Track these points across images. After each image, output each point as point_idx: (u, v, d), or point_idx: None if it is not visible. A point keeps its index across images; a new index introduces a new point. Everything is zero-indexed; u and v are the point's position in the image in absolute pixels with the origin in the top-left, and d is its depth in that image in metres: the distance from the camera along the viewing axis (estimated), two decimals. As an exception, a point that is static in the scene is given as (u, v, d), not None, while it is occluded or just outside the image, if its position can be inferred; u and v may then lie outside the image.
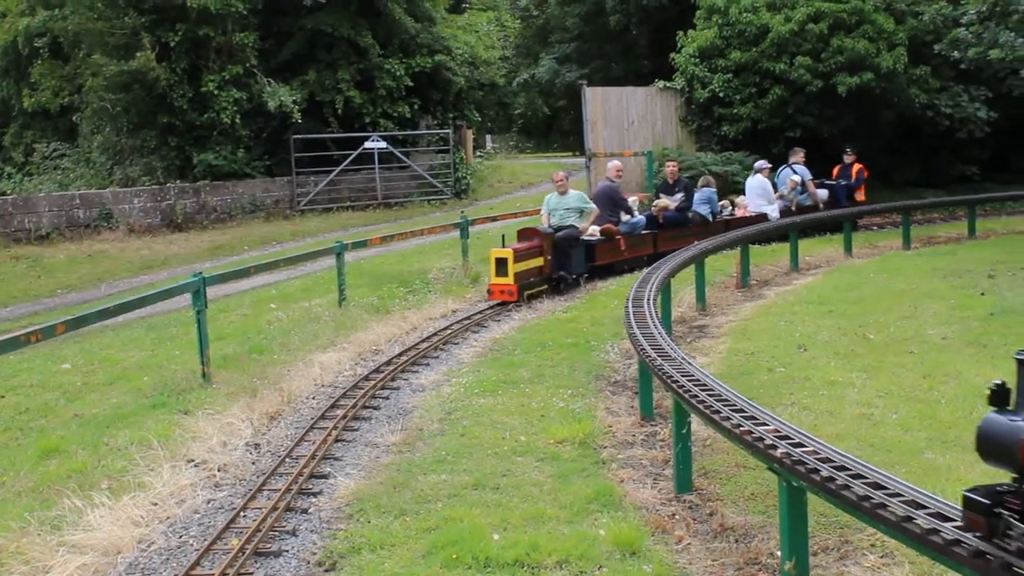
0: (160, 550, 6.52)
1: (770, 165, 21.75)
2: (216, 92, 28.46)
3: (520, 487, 7.25)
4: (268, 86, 28.83)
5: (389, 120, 31.11)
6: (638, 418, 9.00)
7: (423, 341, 12.88)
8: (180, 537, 6.76)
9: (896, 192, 27.96)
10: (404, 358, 11.91)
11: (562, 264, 16.34)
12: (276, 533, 6.72)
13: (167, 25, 28.26)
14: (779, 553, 5.45)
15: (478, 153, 40.70)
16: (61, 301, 19.73)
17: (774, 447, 5.34)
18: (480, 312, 14.80)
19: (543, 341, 12.50)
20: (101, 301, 17.51)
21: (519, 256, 15.21)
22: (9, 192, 27.92)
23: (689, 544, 6.19)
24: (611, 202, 17.88)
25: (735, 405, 6.21)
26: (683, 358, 7.62)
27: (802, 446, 5.29)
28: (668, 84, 27.84)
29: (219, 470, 8.12)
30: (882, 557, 5.78)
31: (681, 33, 28.04)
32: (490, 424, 8.96)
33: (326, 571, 6.07)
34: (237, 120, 28.73)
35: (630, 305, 10.17)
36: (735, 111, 26.69)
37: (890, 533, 4.51)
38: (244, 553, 6.28)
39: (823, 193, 22.31)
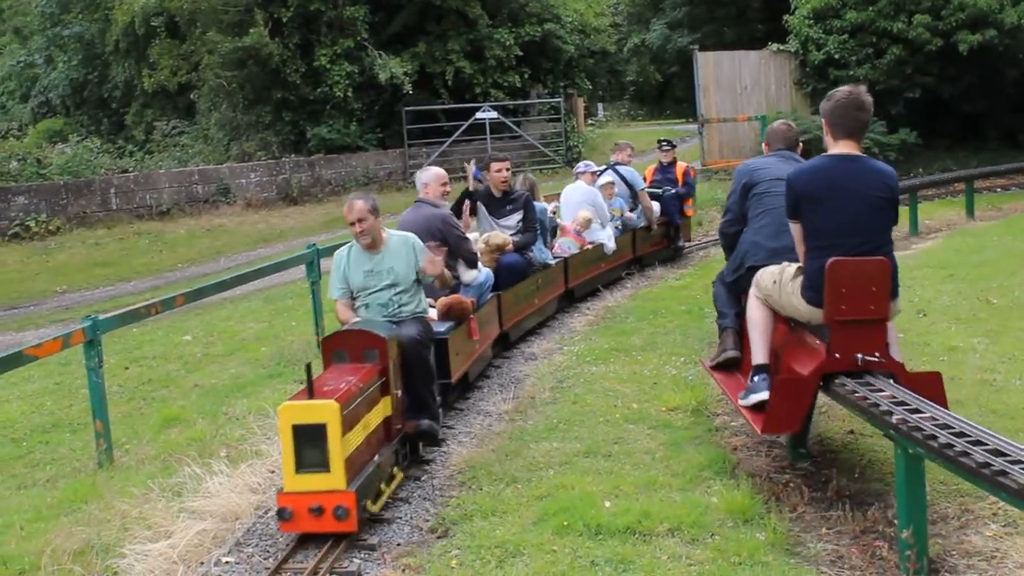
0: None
1: (596, 167, 14.91)
2: (328, 66, 28.78)
3: (632, 455, 7.22)
4: (379, 59, 29.03)
5: (499, 90, 31.14)
6: (752, 385, 8.86)
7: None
8: (296, 504, 6.84)
9: (1022, 153, 27.12)
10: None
11: (421, 399, 7.52)
12: (390, 501, 6.78)
13: (279, 1, 28.65)
14: (896, 522, 5.33)
15: (589, 121, 40.54)
16: (182, 274, 20.20)
17: (890, 413, 5.22)
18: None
19: (656, 308, 12.42)
20: (219, 274, 17.89)
21: (349, 412, 6.24)
22: (131, 169, 28.62)
23: (804, 512, 6.09)
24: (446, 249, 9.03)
25: (850, 371, 6.06)
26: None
27: (919, 412, 5.16)
28: (781, 47, 27.39)
29: (334, 438, 8.19)
30: (1004, 527, 5.62)
31: (795, -6, 27.52)
32: (602, 392, 8.94)
33: (439, 538, 6.11)
34: (349, 93, 29.03)
35: (743, 271, 10.00)
36: (851, 73, 26.12)
37: (1011, 501, 4.37)
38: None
39: (656, 207, 15.50)
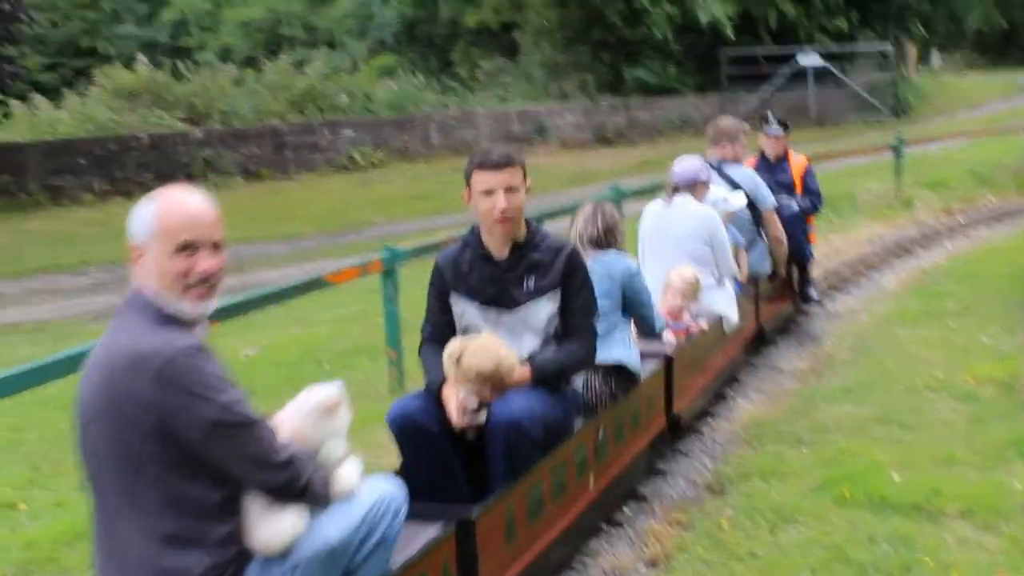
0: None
1: (706, 172, 7.82)
2: (649, 7, 28.57)
3: (929, 426, 6.75)
4: (700, 1, 28.56)
5: (825, 35, 30.11)
6: (1076, 361, 8.15)
7: (843, 266, 12.36)
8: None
9: None
10: (821, 283, 11.49)
11: None
12: (670, 452, 6.65)
13: (603, -59, 28.67)
14: None
15: (921, 70, 38.54)
16: (492, 211, 20.63)
17: None
18: (909, 239, 14.05)
19: (975, 271, 11.68)
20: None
21: None
22: (452, 107, 29.46)
23: (1123, 507, 5.51)
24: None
25: None
26: None
27: None
28: None
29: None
30: None
31: None
32: (905, 357, 8.43)
33: (714, 494, 5.93)
34: (669, 35, 28.76)
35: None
36: None
37: None
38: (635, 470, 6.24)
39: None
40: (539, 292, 4.71)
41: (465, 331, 4.73)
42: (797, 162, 9.83)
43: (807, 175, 9.82)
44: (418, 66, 39.34)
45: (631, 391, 5.60)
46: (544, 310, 4.72)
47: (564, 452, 4.74)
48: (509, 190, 4.54)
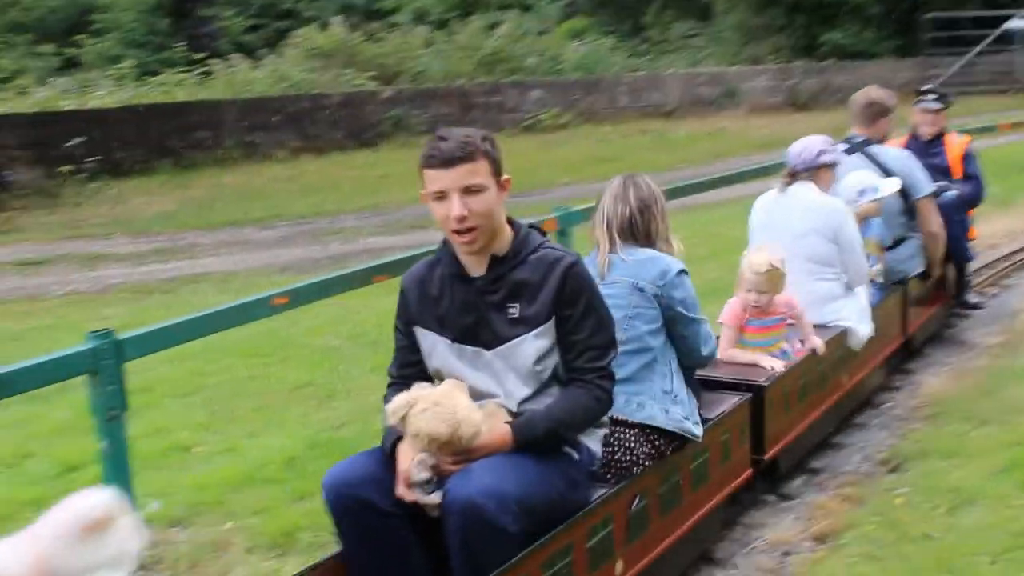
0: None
1: (832, 153, 6.31)
2: (848, -32, 27.74)
3: None
4: (904, -40, 27.57)
5: (1038, -4, 28.55)
6: None
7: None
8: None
9: None
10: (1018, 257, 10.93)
11: None
12: (844, 425, 6.41)
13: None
14: None
15: None
16: (676, 175, 20.31)
17: None
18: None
19: None
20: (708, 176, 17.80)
21: None
22: (641, 69, 29.14)
23: None
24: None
25: None
26: None
27: None
28: None
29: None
30: None
31: None
32: (1108, 337, 7.93)
33: (889, 471, 5.67)
34: (868, -3, 27.89)
35: None
36: None
37: None
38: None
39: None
40: (525, 323, 3.49)
41: (437, 374, 3.60)
42: (956, 143, 8.47)
43: (967, 158, 8.38)
44: (610, 29, 39.08)
45: (686, 446, 4.24)
46: (531, 347, 3.48)
47: (565, 538, 3.45)
48: (469, 191, 3.38)
